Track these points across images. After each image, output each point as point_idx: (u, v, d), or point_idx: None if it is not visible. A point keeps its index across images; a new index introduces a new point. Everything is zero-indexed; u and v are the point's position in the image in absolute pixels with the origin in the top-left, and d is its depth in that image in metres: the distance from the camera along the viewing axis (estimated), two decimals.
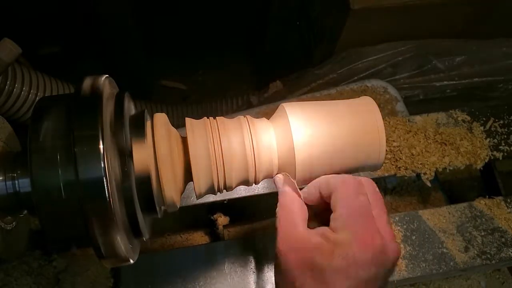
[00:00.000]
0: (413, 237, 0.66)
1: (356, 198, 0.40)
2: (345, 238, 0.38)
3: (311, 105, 0.45)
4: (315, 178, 0.44)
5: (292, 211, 0.42)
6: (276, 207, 0.44)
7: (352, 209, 0.39)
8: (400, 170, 0.71)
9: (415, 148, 0.72)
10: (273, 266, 0.42)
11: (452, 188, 0.89)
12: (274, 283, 0.43)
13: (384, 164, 0.69)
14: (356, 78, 1.02)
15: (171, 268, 0.63)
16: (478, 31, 1.06)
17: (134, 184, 0.39)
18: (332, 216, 0.40)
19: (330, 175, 0.43)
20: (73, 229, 0.37)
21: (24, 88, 0.83)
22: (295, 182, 0.43)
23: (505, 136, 0.76)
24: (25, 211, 0.43)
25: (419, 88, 1.05)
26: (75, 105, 0.38)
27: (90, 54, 1.20)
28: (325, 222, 0.41)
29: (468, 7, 1.02)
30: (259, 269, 0.64)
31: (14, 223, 0.45)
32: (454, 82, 1.05)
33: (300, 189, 0.44)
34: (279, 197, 0.44)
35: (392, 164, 0.71)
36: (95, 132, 0.36)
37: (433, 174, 0.71)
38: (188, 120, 0.44)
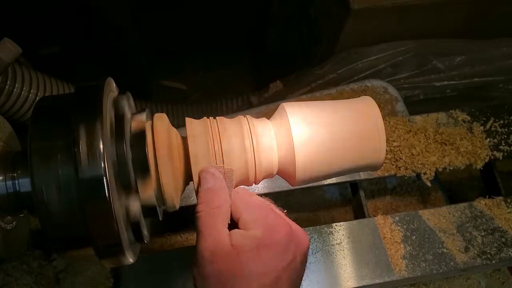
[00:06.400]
0: (413, 237, 0.66)
1: (251, 198, 0.43)
2: (258, 233, 0.39)
3: (311, 105, 0.45)
4: (315, 178, 0.44)
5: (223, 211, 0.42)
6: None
7: (254, 209, 0.42)
8: (400, 170, 0.71)
9: (415, 148, 0.72)
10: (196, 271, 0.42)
11: (452, 188, 0.89)
12: None
13: (384, 164, 0.69)
14: (356, 78, 1.02)
15: (171, 268, 0.63)
16: (478, 31, 1.06)
17: (134, 184, 0.39)
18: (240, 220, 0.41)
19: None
20: (73, 229, 0.37)
21: (24, 88, 0.83)
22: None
23: (505, 136, 0.76)
24: (25, 211, 0.43)
25: (419, 88, 1.04)
26: (75, 105, 0.38)
27: (90, 54, 1.20)
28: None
29: (468, 7, 1.02)
30: None
31: (14, 223, 0.45)
32: (454, 82, 1.05)
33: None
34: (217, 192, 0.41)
35: (392, 164, 0.71)
36: (95, 132, 0.36)
37: (433, 174, 0.71)
38: (188, 120, 0.44)
